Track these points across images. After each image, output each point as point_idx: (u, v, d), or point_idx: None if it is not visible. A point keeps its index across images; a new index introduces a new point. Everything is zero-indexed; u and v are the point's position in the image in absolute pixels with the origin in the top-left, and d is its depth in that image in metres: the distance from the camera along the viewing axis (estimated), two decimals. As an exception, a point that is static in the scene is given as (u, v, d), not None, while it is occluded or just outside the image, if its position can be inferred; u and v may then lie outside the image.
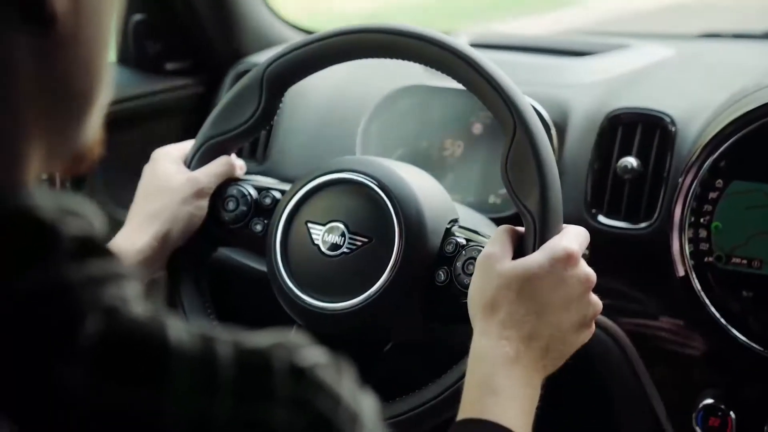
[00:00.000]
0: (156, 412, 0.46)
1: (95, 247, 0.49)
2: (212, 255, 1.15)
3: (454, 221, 1.03)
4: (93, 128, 0.55)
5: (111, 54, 0.55)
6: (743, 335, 1.13)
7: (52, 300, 0.46)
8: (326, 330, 1.03)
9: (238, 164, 1.14)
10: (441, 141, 1.38)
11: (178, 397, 0.47)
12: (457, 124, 1.37)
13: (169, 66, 1.62)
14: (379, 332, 1.03)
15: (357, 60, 1.05)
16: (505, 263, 0.88)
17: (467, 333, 0.89)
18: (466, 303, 0.90)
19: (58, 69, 0.50)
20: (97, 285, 0.48)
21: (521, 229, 0.92)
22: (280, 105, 1.11)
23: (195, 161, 1.11)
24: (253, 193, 1.11)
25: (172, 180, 1.09)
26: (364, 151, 1.40)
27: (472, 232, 1.02)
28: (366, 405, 0.53)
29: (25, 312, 0.45)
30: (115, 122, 1.47)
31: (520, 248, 0.91)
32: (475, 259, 0.95)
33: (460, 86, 0.98)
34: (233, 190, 1.11)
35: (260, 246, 1.09)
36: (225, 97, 1.11)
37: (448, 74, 0.98)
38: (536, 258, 0.87)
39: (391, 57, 1.02)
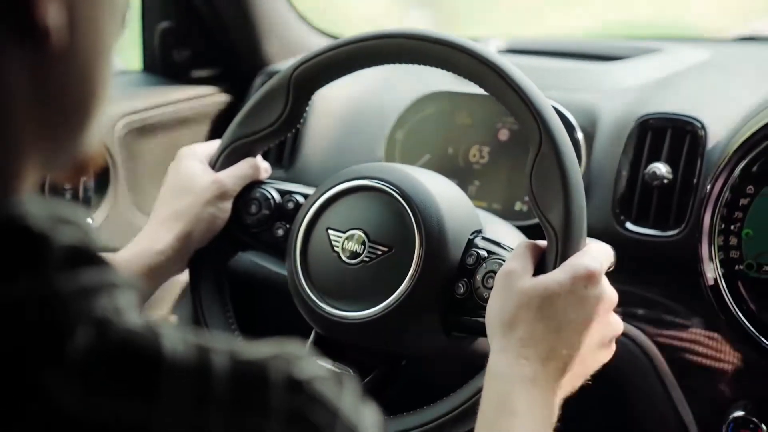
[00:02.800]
0: (147, 424, 0.45)
1: (88, 256, 0.48)
2: (233, 258, 1.15)
3: (478, 232, 1.01)
4: (93, 138, 0.54)
5: (114, 64, 0.55)
6: (775, 346, 1.10)
7: (40, 310, 0.45)
8: (343, 338, 1.02)
9: (264, 166, 1.14)
10: (467, 147, 1.36)
11: (170, 409, 0.46)
12: (484, 130, 1.36)
13: (196, 74, 1.62)
14: (396, 342, 1.01)
15: (384, 65, 1.04)
16: (525, 280, 0.86)
17: (486, 345, 0.87)
18: (483, 318, 0.89)
19: (53, 82, 0.50)
20: (88, 295, 0.47)
21: (543, 243, 0.90)
22: (307, 111, 1.10)
23: (220, 162, 1.11)
24: (276, 196, 1.11)
25: (197, 180, 1.09)
26: (390, 157, 1.39)
27: (495, 243, 1.00)
28: (367, 418, 0.52)
29: (11, 322, 0.45)
30: (141, 130, 1.48)
31: (541, 264, 0.89)
32: (495, 272, 0.93)
33: (486, 92, 0.97)
34: (256, 194, 1.11)
35: (281, 250, 1.09)
36: (252, 99, 1.11)
37: (476, 83, 0.96)
38: (557, 276, 0.85)
39: (418, 63, 1.00)
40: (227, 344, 0.49)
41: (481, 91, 0.97)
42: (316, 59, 1.05)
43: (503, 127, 1.34)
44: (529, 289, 0.85)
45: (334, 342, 1.04)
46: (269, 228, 1.10)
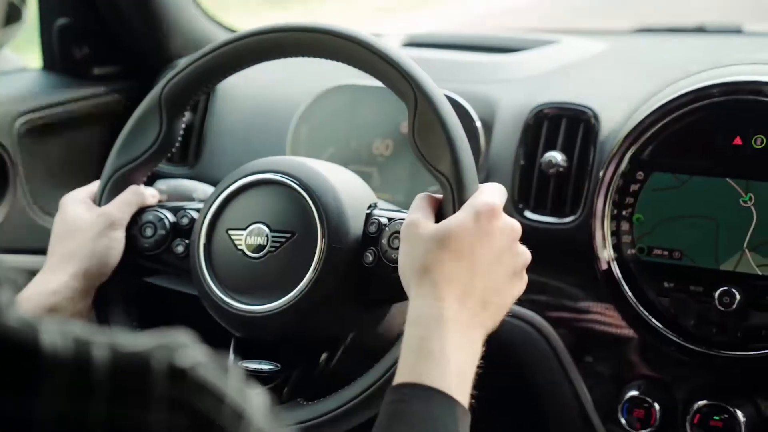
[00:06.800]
0: (26, 418, 0.45)
1: None
2: (139, 286, 1.13)
3: (374, 205, 1.03)
4: None
5: (11, 62, 0.54)
6: (666, 327, 1.13)
7: None
8: (268, 334, 1.02)
9: (149, 192, 1.13)
10: (370, 140, 1.38)
11: (49, 403, 0.46)
12: (386, 124, 1.37)
13: (97, 71, 1.59)
14: (317, 325, 1.02)
15: (254, 65, 1.04)
16: (430, 226, 0.88)
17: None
18: (397, 278, 0.90)
19: None
20: None
21: (439, 195, 0.93)
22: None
23: (105, 196, 1.09)
24: (169, 215, 1.10)
25: (81, 219, 1.07)
26: (295, 152, 1.39)
27: (392, 211, 1.02)
28: (254, 402, 0.52)
29: None
30: (41, 129, 1.46)
31: (440, 212, 0.91)
32: (399, 233, 0.95)
33: (359, 70, 0.99)
34: (149, 216, 1.10)
35: (184, 268, 1.08)
36: (125, 127, 1.09)
37: (346, 61, 0.99)
38: (459, 216, 0.87)
39: (285, 56, 1.02)
40: (109, 336, 0.50)
41: (382, 84, 0.99)
42: (182, 74, 1.05)
43: (405, 120, 1.36)
44: (435, 233, 0.86)
45: (258, 341, 1.04)
46: (168, 247, 1.09)
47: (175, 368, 0.49)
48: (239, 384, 0.52)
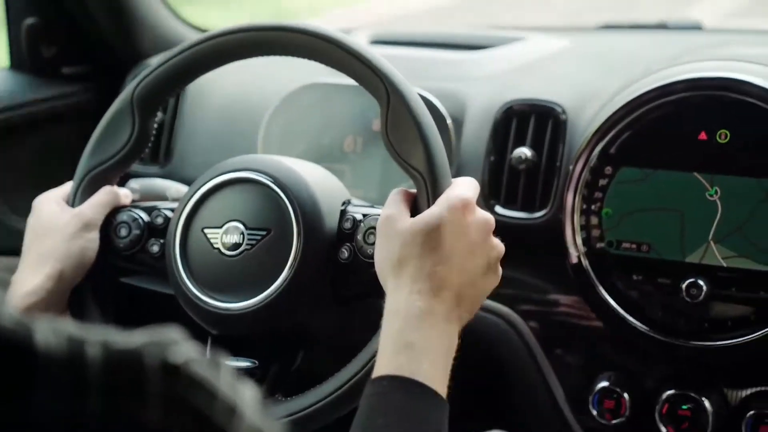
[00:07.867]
0: (22, 418, 0.46)
1: None
2: (114, 286, 1.12)
3: (347, 202, 1.05)
4: None
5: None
6: (635, 318, 1.16)
7: None
8: (245, 331, 1.03)
9: (123, 192, 1.13)
10: (342, 138, 1.39)
11: (44, 402, 0.46)
12: (358, 121, 1.38)
13: (66, 70, 1.59)
14: (293, 321, 1.02)
15: (226, 64, 1.05)
16: (405, 221, 0.89)
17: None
18: (373, 273, 0.91)
19: None
20: None
21: (413, 190, 0.94)
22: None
23: (78, 197, 1.09)
24: (144, 215, 1.09)
25: (56, 219, 1.06)
26: (267, 150, 1.40)
27: (366, 207, 1.03)
28: (245, 396, 0.53)
29: None
30: (10, 129, 1.45)
31: (415, 207, 0.93)
32: (375, 228, 0.96)
33: (332, 68, 1.00)
34: (123, 216, 1.09)
35: (160, 268, 1.08)
36: (98, 127, 1.09)
37: (318, 60, 1.00)
38: (434, 211, 0.89)
39: (258, 55, 1.03)
40: (101, 334, 0.50)
41: (354, 82, 1.00)
42: (154, 74, 1.05)
43: (376, 118, 1.37)
44: (410, 228, 0.88)
45: (235, 338, 1.04)
46: (143, 247, 1.09)
47: (167, 364, 0.50)
48: (231, 379, 0.53)
